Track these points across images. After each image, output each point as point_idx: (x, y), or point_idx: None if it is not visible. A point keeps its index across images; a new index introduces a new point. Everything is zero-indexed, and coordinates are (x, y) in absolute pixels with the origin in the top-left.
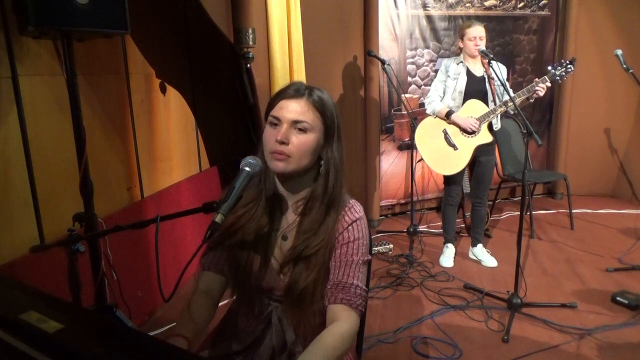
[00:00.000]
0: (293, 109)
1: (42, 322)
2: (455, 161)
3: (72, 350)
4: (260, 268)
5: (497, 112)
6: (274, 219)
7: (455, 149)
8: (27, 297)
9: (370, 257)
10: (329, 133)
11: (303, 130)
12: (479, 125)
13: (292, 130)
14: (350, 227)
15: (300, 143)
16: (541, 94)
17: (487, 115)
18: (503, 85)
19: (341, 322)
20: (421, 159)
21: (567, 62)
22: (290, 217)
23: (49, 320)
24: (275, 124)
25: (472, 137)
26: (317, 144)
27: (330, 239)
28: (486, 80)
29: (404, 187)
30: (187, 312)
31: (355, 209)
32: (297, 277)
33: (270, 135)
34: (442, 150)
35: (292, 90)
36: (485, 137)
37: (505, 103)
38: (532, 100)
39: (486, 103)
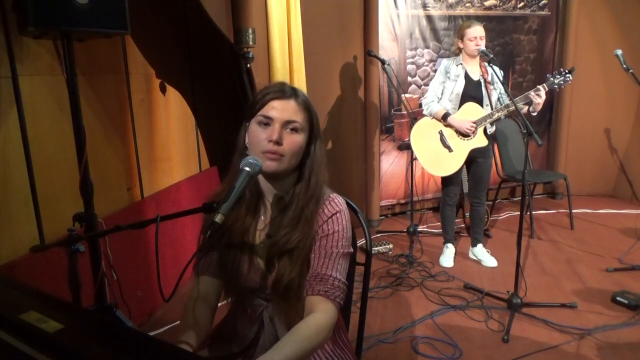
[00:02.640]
0: (285, 109)
1: (42, 322)
2: (449, 163)
3: (72, 350)
4: (248, 268)
5: (494, 117)
6: (258, 218)
7: (450, 151)
8: (27, 297)
9: (351, 250)
10: (314, 132)
11: (294, 130)
12: (476, 129)
13: (284, 130)
14: (330, 220)
15: (293, 143)
16: (538, 100)
17: (484, 119)
18: (504, 87)
19: (318, 314)
20: (416, 158)
21: (566, 71)
22: (274, 215)
23: (49, 320)
24: (266, 124)
25: (467, 139)
26: (305, 144)
27: (310, 230)
28: (482, 84)
29: (404, 187)
30: (186, 320)
31: (335, 202)
32: (282, 271)
33: (261, 135)
34: (437, 151)
35: (279, 91)
36: (480, 140)
37: (505, 106)
38: (534, 114)
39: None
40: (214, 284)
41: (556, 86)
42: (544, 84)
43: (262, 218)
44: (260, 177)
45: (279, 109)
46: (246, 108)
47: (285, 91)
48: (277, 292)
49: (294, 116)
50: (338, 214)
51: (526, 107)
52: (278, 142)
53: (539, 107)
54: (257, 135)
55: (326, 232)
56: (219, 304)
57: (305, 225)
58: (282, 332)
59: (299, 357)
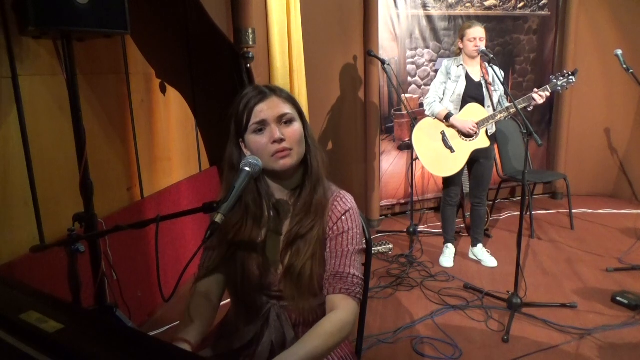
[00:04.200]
0: (272, 107)
1: (42, 322)
2: (451, 164)
3: (72, 350)
4: (258, 268)
5: (496, 118)
6: (267, 221)
7: (452, 152)
8: (27, 297)
9: (364, 245)
10: (303, 118)
11: (289, 122)
12: (478, 129)
13: (280, 125)
14: (342, 218)
15: (294, 133)
16: (540, 101)
17: (486, 119)
18: (504, 88)
19: (340, 310)
20: (417, 158)
21: (570, 73)
22: (283, 213)
23: (49, 320)
24: (260, 130)
25: (469, 140)
26: (302, 130)
27: (322, 217)
28: (483, 85)
29: (404, 187)
30: (187, 316)
31: (345, 200)
32: (294, 257)
33: (261, 141)
34: (439, 152)
35: (258, 94)
36: (482, 141)
37: (507, 108)
38: (530, 109)
39: None
40: (217, 282)
41: (559, 88)
42: (548, 86)
43: (272, 218)
44: (269, 181)
45: (267, 109)
46: (233, 124)
47: (263, 91)
48: (290, 282)
49: (283, 109)
50: (349, 212)
51: (523, 105)
52: (282, 139)
53: (535, 103)
54: (259, 143)
55: (340, 230)
56: (222, 303)
57: (316, 210)
58: (288, 330)
59: (322, 353)
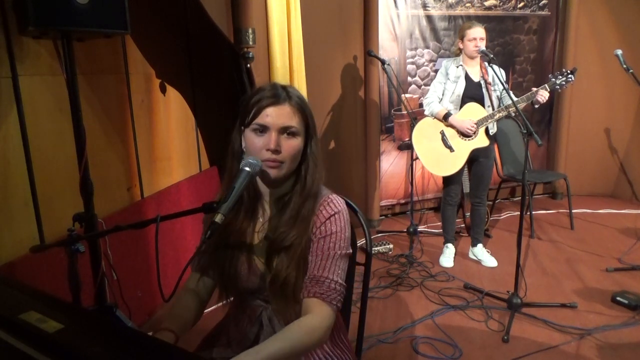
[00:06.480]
0: (280, 115)
1: (42, 322)
2: (451, 163)
3: (72, 350)
4: (247, 269)
5: (496, 117)
6: (256, 220)
7: (451, 151)
8: (27, 297)
9: (350, 250)
10: (309, 132)
11: (292, 135)
12: (477, 129)
13: (281, 136)
14: (327, 221)
15: (292, 148)
16: (542, 100)
17: (485, 119)
18: (504, 87)
19: (311, 315)
20: (417, 158)
21: (569, 71)
22: (272, 215)
23: (49, 320)
24: (262, 131)
25: (469, 140)
26: (302, 146)
27: (307, 228)
28: (483, 85)
29: (404, 187)
30: (173, 309)
31: (334, 203)
32: (279, 268)
33: (257, 143)
34: (438, 152)
35: (271, 95)
36: (482, 140)
37: (506, 107)
38: (537, 106)
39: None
40: (207, 282)
41: (558, 87)
42: (546, 85)
43: (260, 219)
44: (259, 180)
45: (274, 116)
46: (240, 112)
47: (279, 95)
48: (275, 290)
49: (290, 121)
50: (336, 215)
51: (523, 103)
52: (277, 151)
53: (537, 103)
54: (254, 144)
55: (324, 233)
56: (215, 306)
57: (302, 223)
58: None
59: (287, 356)
